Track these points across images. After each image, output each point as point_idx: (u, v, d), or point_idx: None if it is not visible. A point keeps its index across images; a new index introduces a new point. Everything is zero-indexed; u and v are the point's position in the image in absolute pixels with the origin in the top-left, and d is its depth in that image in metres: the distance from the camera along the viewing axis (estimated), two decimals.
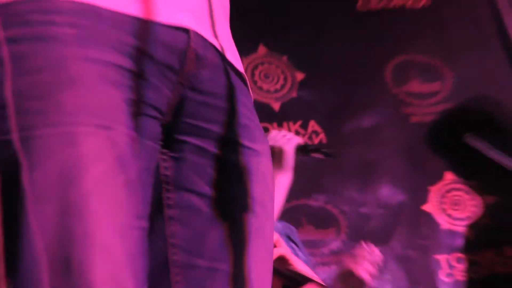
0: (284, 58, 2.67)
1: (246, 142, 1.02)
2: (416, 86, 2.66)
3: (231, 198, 1.00)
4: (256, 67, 2.63)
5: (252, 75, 2.60)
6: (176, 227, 0.98)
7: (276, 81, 2.64)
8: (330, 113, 2.58)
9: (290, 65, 2.68)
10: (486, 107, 2.61)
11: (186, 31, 0.93)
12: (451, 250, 2.52)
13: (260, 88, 2.61)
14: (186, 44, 0.94)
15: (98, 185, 0.83)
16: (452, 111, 2.63)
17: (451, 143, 2.57)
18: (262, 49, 2.66)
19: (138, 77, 0.90)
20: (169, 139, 0.99)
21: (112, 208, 0.83)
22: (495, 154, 2.37)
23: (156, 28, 0.92)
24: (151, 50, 0.91)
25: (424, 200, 2.57)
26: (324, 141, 2.51)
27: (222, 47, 1.01)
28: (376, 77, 2.65)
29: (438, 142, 2.65)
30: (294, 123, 2.49)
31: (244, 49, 2.55)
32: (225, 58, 1.00)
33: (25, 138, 0.81)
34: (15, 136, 0.80)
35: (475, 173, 2.59)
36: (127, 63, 0.88)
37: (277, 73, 2.65)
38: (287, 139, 1.99)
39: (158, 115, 0.94)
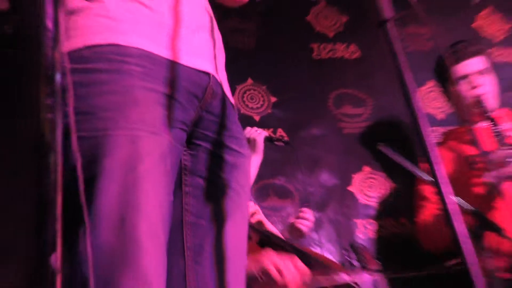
0: (264, 87, 3.14)
1: (236, 147, 1.27)
2: (348, 109, 3.18)
3: (224, 181, 1.23)
4: (245, 92, 3.09)
5: (242, 97, 3.06)
6: (189, 199, 1.21)
7: (258, 102, 3.10)
8: (292, 124, 3.08)
9: (267, 91, 3.14)
10: (394, 126, 3.10)
11: (208, 74, 1.19)
12: (365, 217, 3.05)
13: (247, 106, 3.06)
14: (207, 83, 1.18)
15: (148, 172, 1.01)
16: (371, 127, 3.18)
17: (369, 148, 3.08)
18: (249, 80, 3.12)
19: (176, 102, 1.11)
20: (189, 142, 1.21)
21: (156, 187, 1.02)
22: (398, 158, 2.63)
23: (190, 71, 1.15)
24: (186, 85, 1.14)
25: (349, 183, 3.08)
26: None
27: (222, 83, 1.25)
28: (323, 102, 3.18)
29: (361, 146, 3.13)
30: (268, 130, 2.88)
31: (238, 80, 3.09)
32: (223, 90, 1.25)
33: (103, 136, 0.99)
34: (98, 133, 0.99)
35: (384, 167, 3.09)
36: (170, 92, 1.10)
37: (259, 96, 3.12)
38: (258, 133, 2.48)
39: (185, 127, 1.15)
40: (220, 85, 1.24)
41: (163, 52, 1.13)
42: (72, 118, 0.88)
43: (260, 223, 2.38)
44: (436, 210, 2.55)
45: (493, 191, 2.53)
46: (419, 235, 2.76)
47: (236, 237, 1.23)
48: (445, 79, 2.76)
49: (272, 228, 2.47)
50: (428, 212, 2.62)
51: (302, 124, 3.11)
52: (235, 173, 1.25)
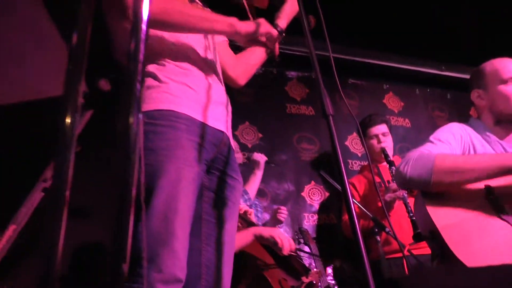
0: (255, 127, 4.20)
1: (234, 176, 1.65)
2: (305, 145, 4.27)
3: (226, 197, 1.60)
4: (243, 129, 4.15)
5: (242, 132, 4.14)
6: (205, 205, 1.56)
7: (251, 135, 4.18)
8: (269, 151, 4.08)
9: (257, 130, 4.19)
10: (329, 159, 4.38)
11: (223, 132, 1.62)
12: (310, 212, 4.09)
13: (244, 138, 4.15)
14: (221, 137, 1.62)
15: (183, 189, 1.34)
16: (317, 158, 4.34)
17: (315, 170, 4.24)
18: (247, 123, 4.18)
19: (203, 148, 1.51)
20: (208, 171, 1.59)
21: (187, 197, 1.35)
22: (330, 179, 3.72)
23: (213, 130, 1.59)
24: (210, 138, 1.55)
25: (302, 190, 4.16)
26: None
27: (229, 137, 1.63)
28: (290, 139, 4.28)
29: (311, 169, 4.22)
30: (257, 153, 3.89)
31: (240, 121, 4.13)
32: (230, 141, 1.65)
33: (161, 165, 1.29)
34: (158, 163, 1.29)
35: (323, 183, 4.17)
36: (201, 142, 1.50)
37: (251, 132, 4.19)
38: (261, 157, 3.51)
39: (207, 162, 1.54)
40: (228, 138, 1.67)
41: (199, 117, 1.53)
42: (142, 152, 1.03)
43: (246, 212, 3.02)
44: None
45: (389, 206, 3.40)
46: (342, 227, 3.75)
47: (230, 232, 1.56)
48: (364, 134, 3.89)
49: (254, 218, 3.09)
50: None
51: (276, 151, 4.30)
52: (233, 192, 1.63)
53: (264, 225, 3.44)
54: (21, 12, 2.27)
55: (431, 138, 2.23)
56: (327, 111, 1.46)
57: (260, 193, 4.17)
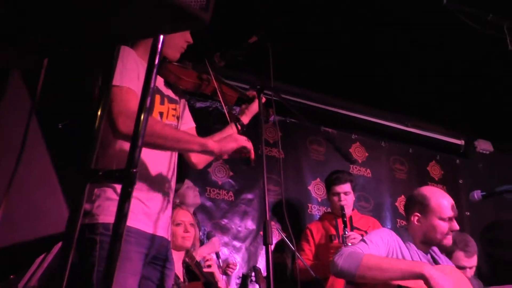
0: (227, 166, 4.70)
1: (170, 266, 2.15)
2: (271, 187, 4.60)
3: (163, 285, 2.08)
4: (215, 168, 4.66)
5: (214, 171, 4.59)
6: None
7: (222, 174, 4.67)
8: (237, 190, 4.59)
9: (229, 169, 4.71)
10: (294, 200, 5.00)
11: (165, 238, 2.11)
12: None
13: (216, 176, 4.62)
14: (165, 243, 2.12)
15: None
16: (281, 199, 4.78)
17: (278, 211, 4.59)
18: (220, 161, 4.33)
19: (148, 255, 2.00)
20: (150, 265, 2.09)
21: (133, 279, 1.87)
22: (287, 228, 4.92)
23: (159, 238, 2.05)
24: (155, 245, 2.02)
25: (261, 229, 5.00)
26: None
27: (168, 238, 2.13)
28: (257, 181, 4.64)
29: (275, 210, 4.65)
30: (228, 192, 4.64)
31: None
32: (169, 242, 2.15)
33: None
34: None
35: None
36: (147, 251, 1.96)
37: (223, 171, 4.66)
38: (216, 245, 3.71)
39: (148, 260, 2.02)
40: (168, 242, 2.14)
41: (148, 229, 1.97)
42: (96, 258, 1.74)
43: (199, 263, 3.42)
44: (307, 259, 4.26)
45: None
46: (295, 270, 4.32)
47: None
48: (328, 189, 4.40)
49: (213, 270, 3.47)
50: (304, 256, 4.19)
51: (244, 190, 4.71)
52: (168, 280, 2.13)
53: None
54: None
55: (365, 238, 2.78)
56: (268, 240, 1.94)
57: (223, 229, 4.58)
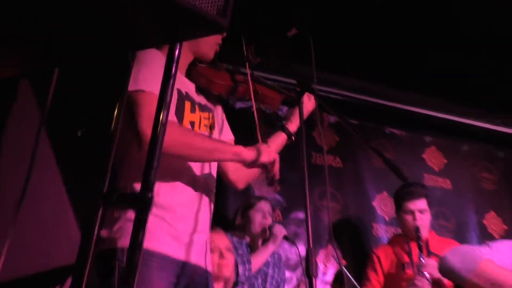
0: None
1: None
2: (326, 202, 4.02)
3: None
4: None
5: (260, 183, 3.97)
6: None
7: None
8: (285, 208, 4.00)
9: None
10: (353, 220, 4.38)
11: (204, 269, 1.92)
12: (323, 282, 3.96)
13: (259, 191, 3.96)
14: (205, 276, 1.93)
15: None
16: (341, 219, 4.20)
17: (337, 234, 4.22)
18: None
19: (178, 285, 1.81)
20: None
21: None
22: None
23: (192, 267, 1.86)
24: (186, 273, 1.83)
25: (316, 255, 3.98)
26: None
27: (208, 270, 1.95)
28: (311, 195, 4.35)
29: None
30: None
31: None
32: (209, 274, 1.96)
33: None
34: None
35: (340, 247, 4.07)
36: (176, 280, 1.79)
37: None
38: (280, 231, 3.29)
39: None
40: (209, 275, 1.97)
41: (177, 254, 1.83)
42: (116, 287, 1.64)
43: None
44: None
45: None
46: None
47: None
48: (399, 205, 3.72)
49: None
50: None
51: (293, 208, 4.06)
52: None
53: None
54: None
55: (489, 243, 2.61)
56: (311, 272, 1.66)
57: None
